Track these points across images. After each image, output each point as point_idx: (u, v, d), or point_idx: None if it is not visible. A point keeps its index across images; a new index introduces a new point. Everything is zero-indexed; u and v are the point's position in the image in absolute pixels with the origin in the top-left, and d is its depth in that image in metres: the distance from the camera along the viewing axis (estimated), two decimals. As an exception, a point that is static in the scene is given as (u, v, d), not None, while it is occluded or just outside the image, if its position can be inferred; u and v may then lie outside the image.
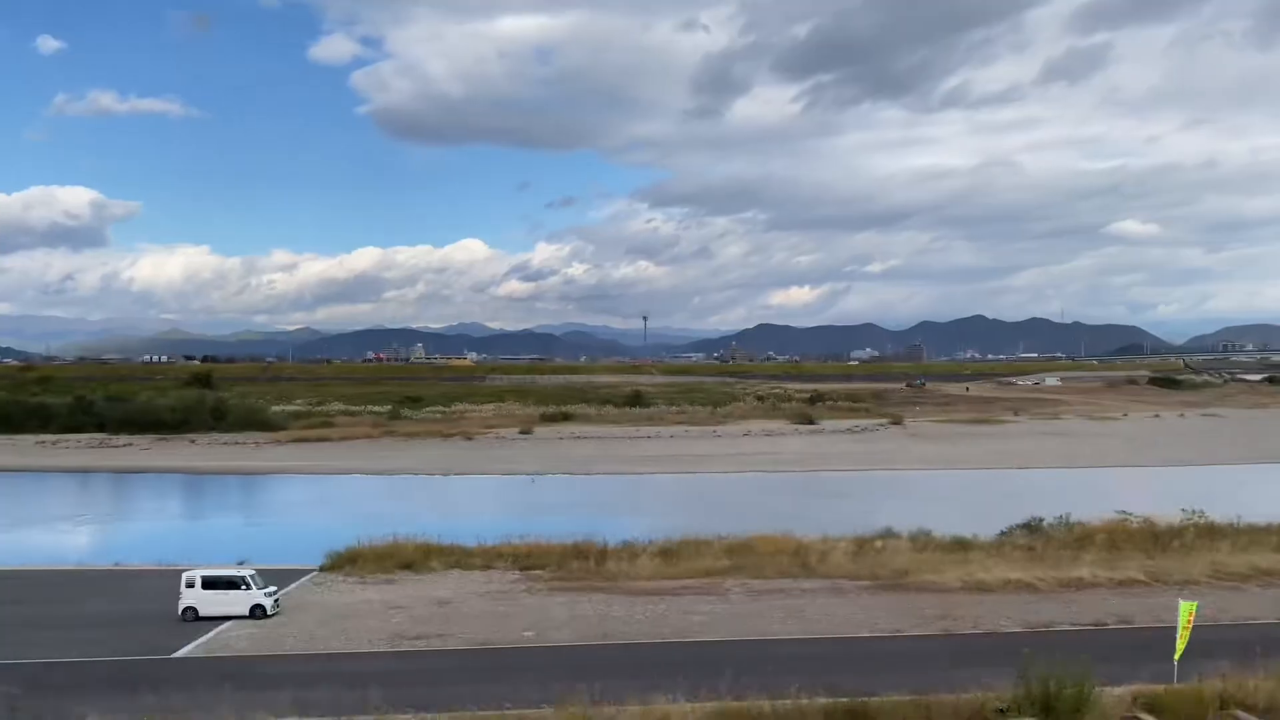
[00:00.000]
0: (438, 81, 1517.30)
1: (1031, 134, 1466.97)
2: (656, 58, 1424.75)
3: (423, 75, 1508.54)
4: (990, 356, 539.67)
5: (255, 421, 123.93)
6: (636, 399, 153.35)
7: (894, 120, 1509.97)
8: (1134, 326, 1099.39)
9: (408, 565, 38.63)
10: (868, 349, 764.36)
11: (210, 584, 33.07)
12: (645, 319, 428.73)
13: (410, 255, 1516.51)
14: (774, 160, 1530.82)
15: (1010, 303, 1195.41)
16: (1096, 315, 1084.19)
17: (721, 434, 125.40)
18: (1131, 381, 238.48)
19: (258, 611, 32.29)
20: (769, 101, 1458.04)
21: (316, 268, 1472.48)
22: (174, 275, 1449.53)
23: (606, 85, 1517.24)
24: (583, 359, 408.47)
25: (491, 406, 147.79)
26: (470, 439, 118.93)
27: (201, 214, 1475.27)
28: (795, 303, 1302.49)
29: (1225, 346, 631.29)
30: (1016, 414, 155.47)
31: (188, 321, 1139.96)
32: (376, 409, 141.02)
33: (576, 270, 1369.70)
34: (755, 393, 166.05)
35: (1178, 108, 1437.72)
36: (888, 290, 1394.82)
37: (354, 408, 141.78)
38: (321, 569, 40.09)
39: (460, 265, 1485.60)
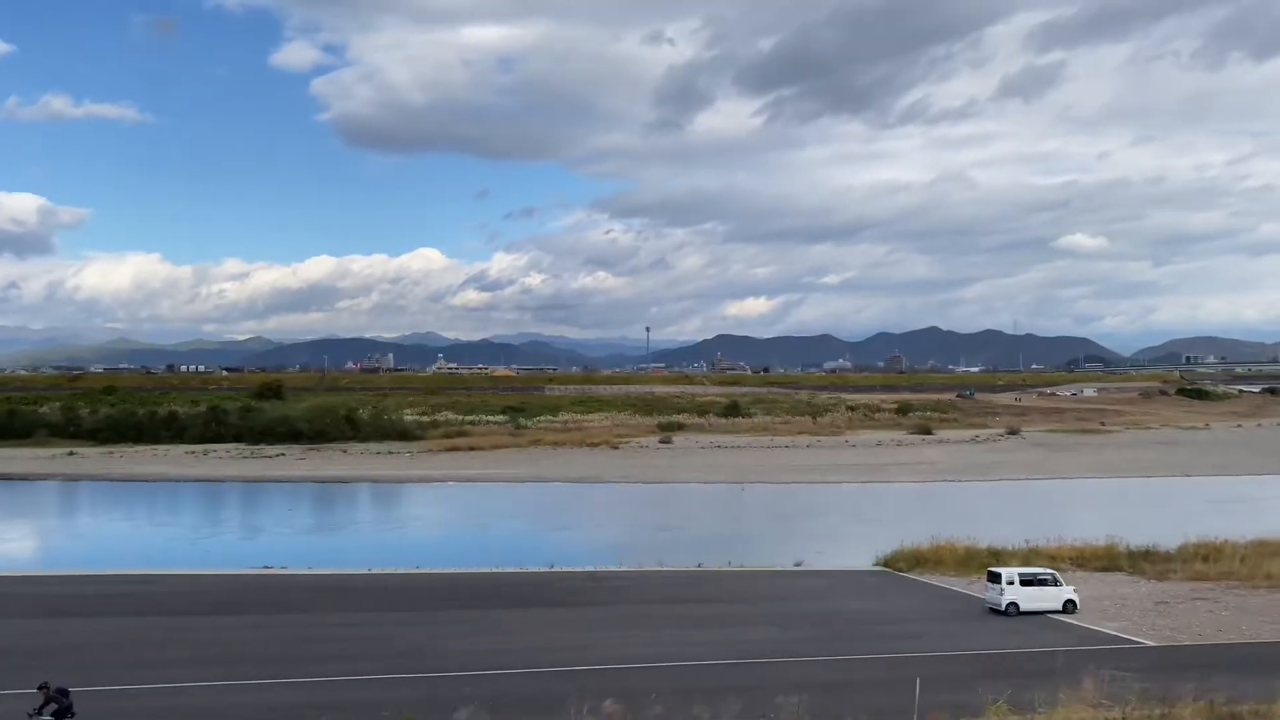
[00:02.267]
0: (399, 89, 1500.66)
1: (986, 149, 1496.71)
2: (621, 69, 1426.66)
3: (384, 83, 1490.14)
4: (950, 367, 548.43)
5: (391, 431, 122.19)
6: (735, 409, 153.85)
7: (854, 134, 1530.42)
8: (1083, 338, 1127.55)
9: (985, 565, 39.15)
10: (841, 359, 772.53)
11: (1026, 581, 34.46)
12: (648, 329, 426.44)
13: (365, 264, 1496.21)
14: (735, 173, 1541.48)
15: (962, 314, 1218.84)
16: (1045, 327, 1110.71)
17: (855, 444, 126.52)
18: (1162, 393, 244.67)
19: (1069, 606, 33.59)
20: (731, 115, 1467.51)
21: (269, 276, 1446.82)
22: (122, 283, 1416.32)
23: (570, 96, 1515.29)
24: (557, 369, 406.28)
25: (598, 416, 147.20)
26: (616, 448, 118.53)
27: (154, 221, 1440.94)
28: (751, 314, 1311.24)
29: (1188, 359, 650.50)
30: (1103, 423, 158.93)
31: (134, 330, 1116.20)
32: (491, 419, 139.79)
33: (534, 280, 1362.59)
34: (846, 403, 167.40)
35: (1128, 125, 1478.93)
36: (842, 302, 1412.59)
37: (468, 417, 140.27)
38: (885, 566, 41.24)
39: (416, 275, 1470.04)
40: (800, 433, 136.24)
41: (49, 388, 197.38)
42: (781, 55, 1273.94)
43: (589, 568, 43.57)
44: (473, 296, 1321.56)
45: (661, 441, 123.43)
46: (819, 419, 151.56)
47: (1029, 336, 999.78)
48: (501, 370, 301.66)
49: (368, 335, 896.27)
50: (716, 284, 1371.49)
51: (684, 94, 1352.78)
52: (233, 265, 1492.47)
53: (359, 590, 39.11)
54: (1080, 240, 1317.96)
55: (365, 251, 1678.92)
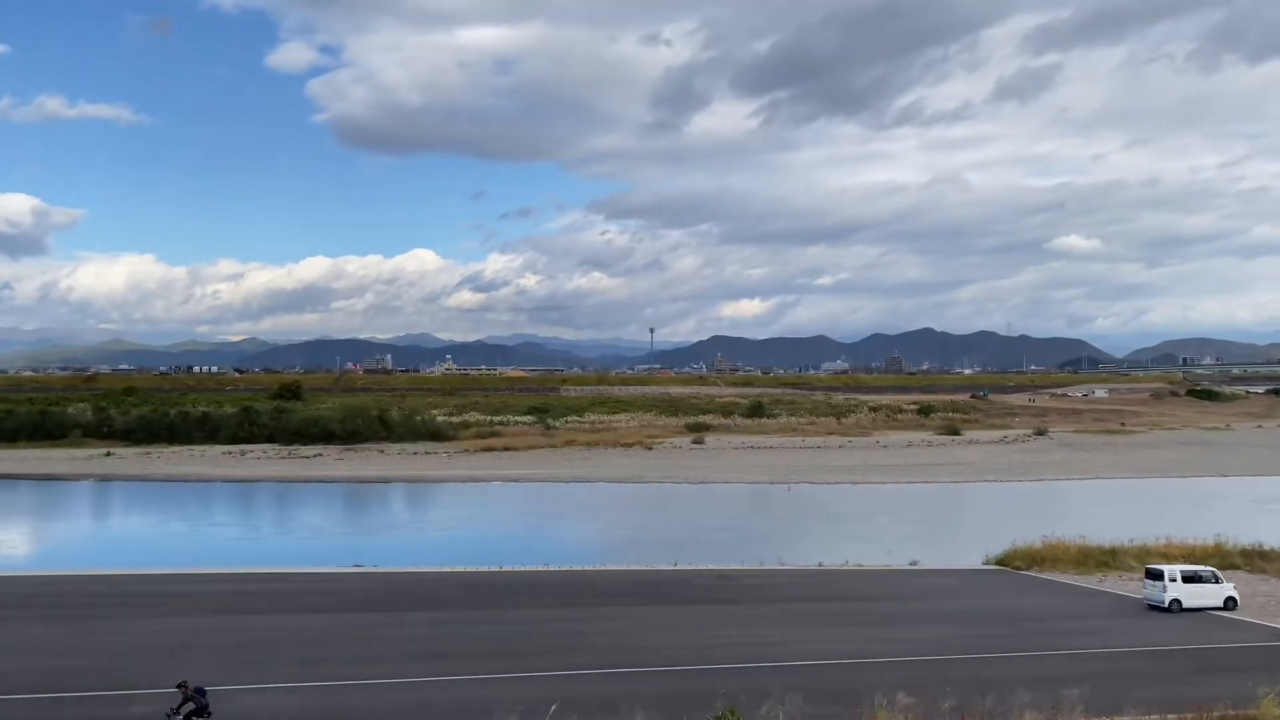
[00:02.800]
0: (395, 91, 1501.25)
1: (982, 151, 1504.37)
2: (618, 71, 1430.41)
3: (380, 84, 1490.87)
4: (947, 368, 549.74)
5: (424, 432, 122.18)
6: (759, 409, 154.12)
7: (849, 136, 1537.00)
8: (1078, 339, 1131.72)
9: (1104, 564, 39.49)
10: (839, 359, 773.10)
11: (1188, 578, 34.76)
12: (652, 330, 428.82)
13: (360, 265, 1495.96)
14: (730, 174, 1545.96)
15: (955, 315, 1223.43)
16: (1039, 328, 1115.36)
17: (887, 445, 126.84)
18: (1172, 394, 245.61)
19: (1230, 603, 33.89)
20: (727, 116, 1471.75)
21: (263, 277, 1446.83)
22: (116, 284, 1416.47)
23: (566, 97, 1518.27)
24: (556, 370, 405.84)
25: (624, 417, 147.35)
26: (650, 449, 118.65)
27: (148, 222, 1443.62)
28: (745, 315, 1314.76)
29: (1185, 360, 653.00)
30: (1123, 424, 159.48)
31: (128, 331, 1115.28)
32: (518, 419, 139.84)
33: (529, 281, 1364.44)
34: (867, 405, 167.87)
35: (1122, 127, 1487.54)
36: (836, 303, 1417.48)
37: (496, 418, 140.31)
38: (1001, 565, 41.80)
39: (411, 276, 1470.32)
40: (829, 433, 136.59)
41: (66, 388, 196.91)
42: (778, 57, 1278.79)
43: (715, 566, 43.86)
44: (468, 297, 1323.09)
45: (694, 442, 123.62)
46: (843, 420, 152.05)
47: (1023, 338, 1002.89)
48: (513, 371, 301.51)
49: (362, 336, 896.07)
50: (711, 285, 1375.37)
51: (680, 96, 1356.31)
52: (227, 266, 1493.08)
53: (510, 587, 39.06)
54: (1074, 242, 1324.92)
55: (360, 252, 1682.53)
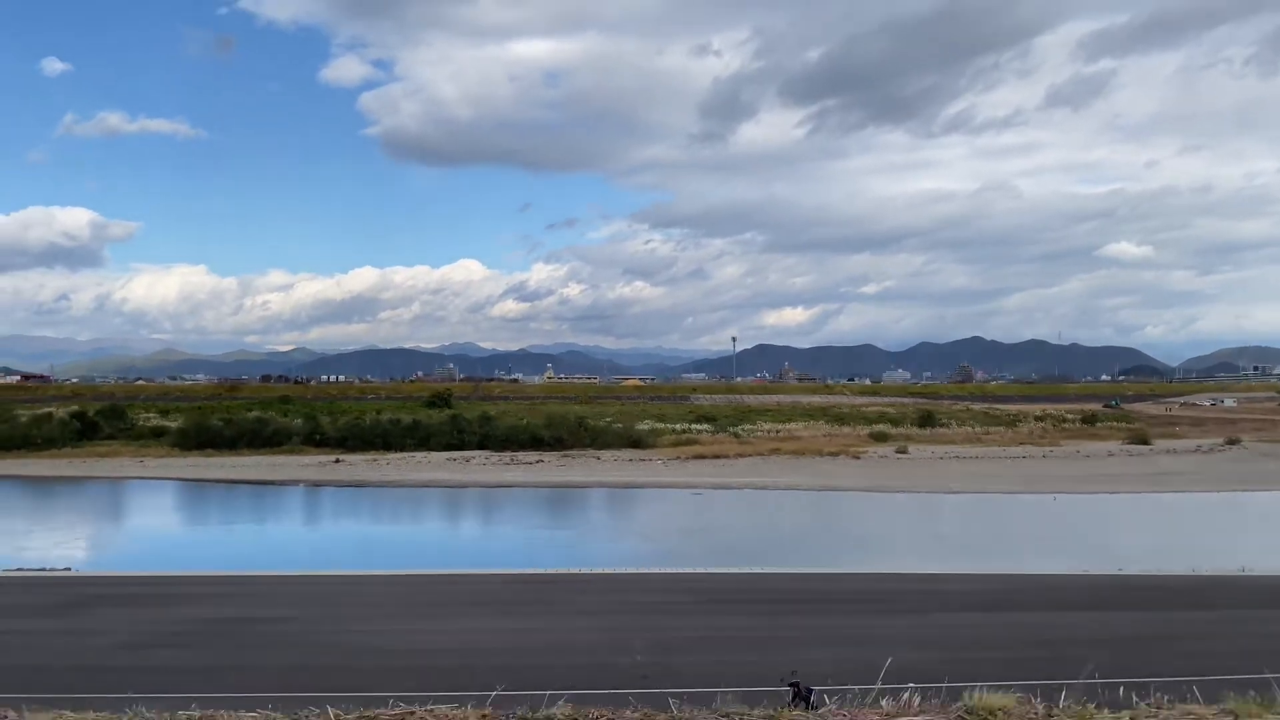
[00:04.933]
0: (446, 104, 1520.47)
1: (1032, 158, 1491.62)
2: (666, 82, 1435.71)
3: (431, 97, 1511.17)
4: (1001, 377, 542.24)
5: (624, 440, 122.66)
6: (930, 418, 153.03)
7: (897, 144, 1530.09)
8: (1131, 348, 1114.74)
9: None
10: (900, 370, 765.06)
11: None
12: (734, 339, 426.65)
13: (407, 275, 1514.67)
14: (776, 183, 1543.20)
15: (1001, 324, 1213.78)
16: (1087, 337, 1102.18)
17: (1089, 454, 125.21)
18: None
19: None
20: (774, 125, 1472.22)
21: (313, 288, 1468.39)
22: (168, 295, 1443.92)
23: (614, 108, 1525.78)
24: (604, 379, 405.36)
25: (797, 425, 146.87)
26: (857, 458, 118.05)
27: (201, 233, 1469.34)
28: (788, 323, 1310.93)
29: (1256, 369, 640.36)
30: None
31: (180, 341, 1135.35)
32: (696, 427, 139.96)
33: (573, 290, 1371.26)
34: (1032, 414, 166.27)
35: (1177, 133, 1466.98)
36: (879, 312, 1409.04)
37: (669, 426, 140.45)
38: None
39: (457, 286, 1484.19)
40: (1020, 443, 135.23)
41: (210, 397, 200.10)
42: (828, 66, 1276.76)
43: (1117, 570, 43.61)
44: (511, 307, 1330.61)
45: (898, 451, 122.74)
46: (1015, 429, 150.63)
47: (1074, 346, 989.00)
48: (632, 380, 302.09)
49: (407, 346, 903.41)
50: (753, 294, 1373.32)
51: (728, 106, 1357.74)
52: (277, 277, 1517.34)
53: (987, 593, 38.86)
54: (1125, 249, 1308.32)
55: (408, 263, 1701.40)
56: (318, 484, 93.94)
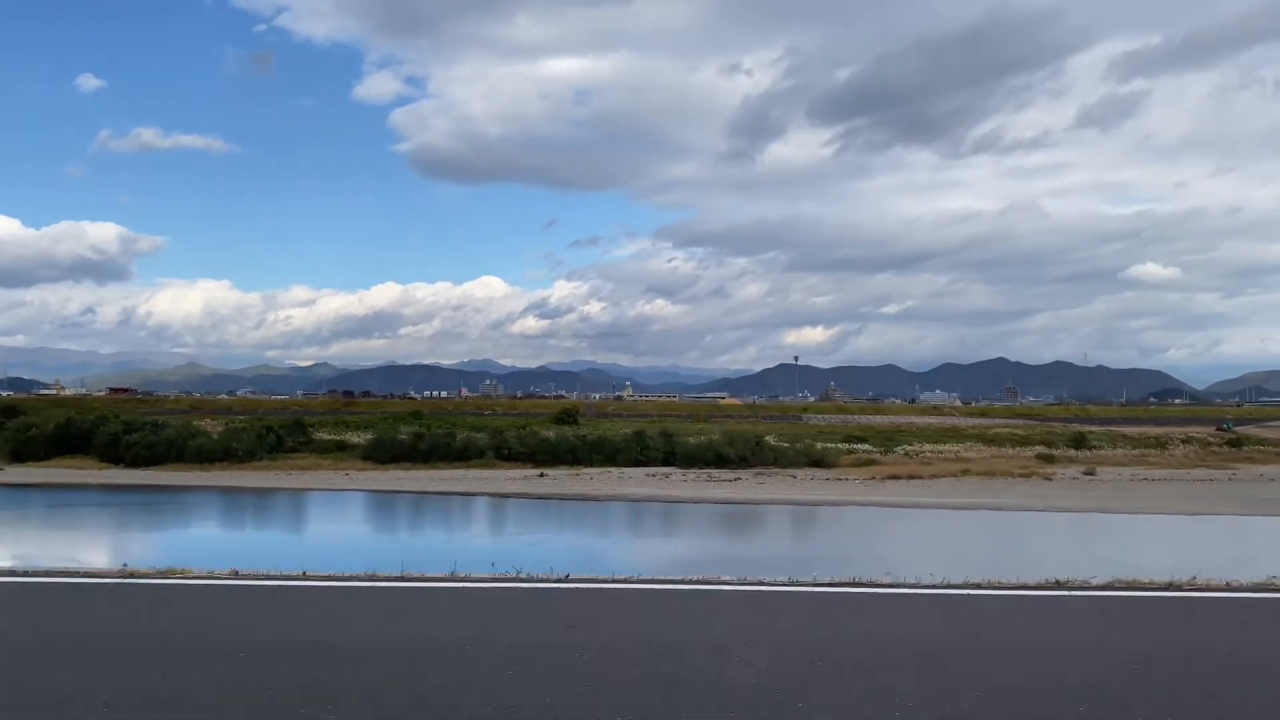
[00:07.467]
0: (476, 121, 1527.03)
1: (1060, 179, 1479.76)
2: (696, 100, 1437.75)
3: (462, 115, 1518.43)
4: (1027, 398, 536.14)
5: (805, 458, 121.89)
6: (1081, 440, 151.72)
7: (924, 164, 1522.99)
8: (1158, 370, 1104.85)
9: None
10: (936, 390, 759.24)
11: None
12: (796, 358, 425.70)
13: (429, 292, 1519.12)
14: (801, 202, 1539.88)
15: (1022, 345, 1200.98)
16: (1111, 358, 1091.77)
17: (1272, 478, 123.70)
18: None
19: None
20: (802, 145, 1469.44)
21: (335, 303, 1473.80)
22: (192, 309, 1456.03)
23: (642, 127, 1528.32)
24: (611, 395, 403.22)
25: (956, 447, 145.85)
26: (1049, 479, 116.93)
27: (226, 249, 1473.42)
28: (808, 343, 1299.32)
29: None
30: None
31: (201, 355, 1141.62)
32: (861, 447, 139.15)
33: (593, 308, 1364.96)
34: (1177, 437, 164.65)
35: (1208, 154, 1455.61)
36: (900, 331, 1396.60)
37: (836, 444, 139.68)
38: None
39: (478, 302, 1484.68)
40: (1193, 465, 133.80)
41: (328, 412, 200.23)
42: (857, 86, 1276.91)
43: None
44: (531, 324, 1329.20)
45: (1086, 473, 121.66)
46: (1166, 451, 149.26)
47: (1100, 368, 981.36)
48: (728, 399, 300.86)
49: (426, 362, 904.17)
50: (774, 313, 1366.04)
51: (757, 125, 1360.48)
52: (300, 292, 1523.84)
53: None
54: (1151, 270, 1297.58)
55: (430, 279, 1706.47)
56: (543, 497, 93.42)
